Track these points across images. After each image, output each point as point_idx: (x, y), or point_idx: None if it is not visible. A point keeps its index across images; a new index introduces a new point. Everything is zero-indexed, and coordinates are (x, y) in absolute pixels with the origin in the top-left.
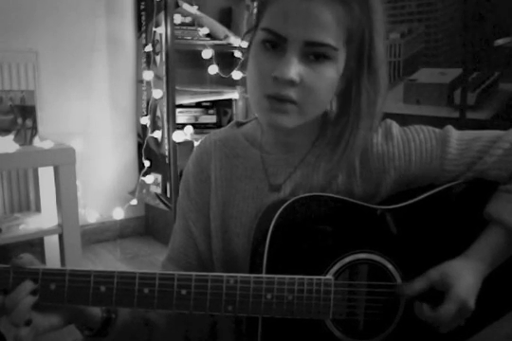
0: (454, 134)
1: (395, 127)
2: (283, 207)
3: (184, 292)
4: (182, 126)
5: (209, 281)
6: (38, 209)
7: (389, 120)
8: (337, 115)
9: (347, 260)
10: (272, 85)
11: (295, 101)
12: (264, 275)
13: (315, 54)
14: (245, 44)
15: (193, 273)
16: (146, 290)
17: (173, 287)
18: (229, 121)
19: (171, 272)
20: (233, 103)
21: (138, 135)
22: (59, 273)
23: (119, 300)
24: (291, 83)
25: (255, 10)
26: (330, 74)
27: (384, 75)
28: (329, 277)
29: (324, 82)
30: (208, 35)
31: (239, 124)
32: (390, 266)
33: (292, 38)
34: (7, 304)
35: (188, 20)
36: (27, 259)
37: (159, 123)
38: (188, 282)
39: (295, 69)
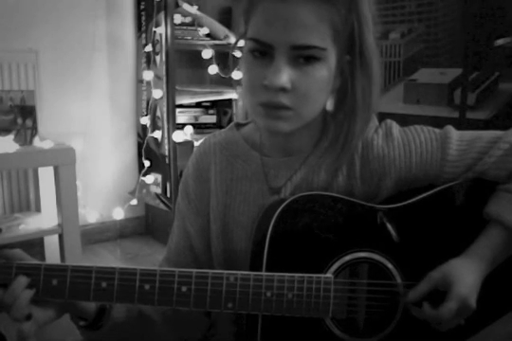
0: (454, 135)
1: (396, 128)
2: (282, 206)
3: (184, 289)
4: (182, 126)
5: (209, 278)
6: (38, 209)
7: (389, 121)
8: (333, 112)
9: (347, 258)
10: (264, 93)
11: (289, 107)
12: (263, 272)
13: (303, 57)
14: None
15: (194, 270)
16: (147, 286)
17: (174, 284)
18: (229, 121)
19: (171, 269)
20: (233, 103)
21: (138, 135)
22: (60, 268)
23: (120, 296)
24: (283, 90)
25: (242, 20)
26: (322, 74)
27: (376, 66)
28: (329, 275)
29: (317, 84)
30: (208, 35)
31: (238, 126)
32: (390, 265)
33: (277, 44)
34: (5, 300)
35: (188, 20)
36: (17, 252)
37: (159, 123)
38: (188, 279)
39: (285, 76)
